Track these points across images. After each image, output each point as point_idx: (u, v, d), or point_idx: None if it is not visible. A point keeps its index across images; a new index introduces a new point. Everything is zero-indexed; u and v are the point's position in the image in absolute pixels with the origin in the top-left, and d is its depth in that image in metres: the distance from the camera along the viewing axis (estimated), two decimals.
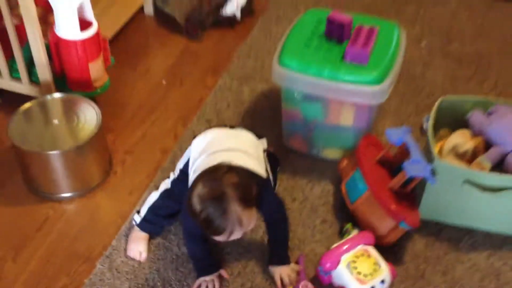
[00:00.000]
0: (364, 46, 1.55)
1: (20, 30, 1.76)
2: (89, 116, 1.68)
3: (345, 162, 1.65)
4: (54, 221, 1.61)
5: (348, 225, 1.55)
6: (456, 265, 1.50)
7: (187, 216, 1.34)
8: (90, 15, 1.77)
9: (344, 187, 1.60)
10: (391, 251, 1.50)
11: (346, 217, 1.58)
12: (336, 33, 1.61)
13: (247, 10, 2.30)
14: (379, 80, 1.53)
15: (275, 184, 1.61)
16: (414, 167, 1.45)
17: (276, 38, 2.17)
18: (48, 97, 1.73)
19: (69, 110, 1.71)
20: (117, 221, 1.60)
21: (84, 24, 1.75)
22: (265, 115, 1.90)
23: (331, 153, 1.74)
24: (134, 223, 1.55)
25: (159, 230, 1.55)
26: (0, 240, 1.56)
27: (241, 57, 2.15)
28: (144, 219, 1.53)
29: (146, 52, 2.19)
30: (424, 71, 2.09)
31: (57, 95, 1.73)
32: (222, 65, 2.11)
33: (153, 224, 1.54)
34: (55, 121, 1.67)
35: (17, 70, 1.85)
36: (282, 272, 1.44)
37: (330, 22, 1.60)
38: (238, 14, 2.26)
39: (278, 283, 1.44)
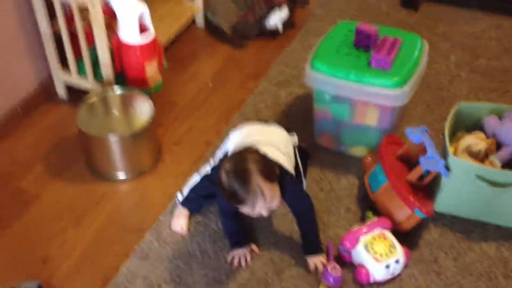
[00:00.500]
0: (388, 53, 1.74)
1: (88, 35, 2.03)
2: (144, 109, 1.92)
3: (369, 158, 1.83)
4: (110, 197, 1.85)
5: (369, 213, 1.72)
6: (468, 253, 1.65)
7: (221, 196, 1.53)
8: (148, 22, 2.02)
9: (367, 179, 1.78)
10: (408, 238, 1.66)
11: (368, 206, 1.75)
12: (363, 42, 1.81)
13: (288, 23, 2.52)
14: (400, 84, 1.72)
15: (305, 175, 1.80)
16: (429, 162, 1.62)
17: (311, 49, 2.37)
18: (110, 91, 1.98)
19: (127, 103, 1.96)
20: (164, 200, 1.82)
21: (143, 30, 2.00)
22: (299, 115, 2.10)
23: (357, 150, 1.92)
24: (177, 201, 1.77)
25: (198, 208, 1.77)
26: (65, 211, 1.80)
27: (280, 65, 2.36)
28: (186, 198, 1.75)
29: (196, 58, 2.43)
30: (451, 83, 2.25)
31: (117, 90, 1.98)
32: (263, 72, 2.33)
33: (193, 202, 1.75)
34: (115, 112, 1.92)
35: (83, 69, 2.12)
36: (315, 260, 1.61)
37: (359, 32, 1.80)
38: (280, 27, 2.48)
39: (312, 269, 1.60)
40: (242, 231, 1.68)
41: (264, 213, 1.50)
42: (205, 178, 1.76)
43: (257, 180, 1.43)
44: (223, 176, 1.46)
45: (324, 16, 2.63)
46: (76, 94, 2.17)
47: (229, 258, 1.65)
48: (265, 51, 2.46)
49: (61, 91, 2.21)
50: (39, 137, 2.07)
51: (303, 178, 1.76)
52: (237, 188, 1.44)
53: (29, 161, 1.97)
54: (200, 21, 2.58)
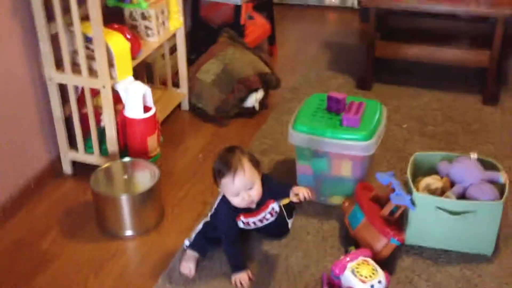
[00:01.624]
0: (355, 114, 2.12)
1: (96, 115, 2.35)
2: (149, 173, 2.21)
3: (347, 203, 2.15)
4: (123, 251, 2.09)
5: (352, 248, 2.01)
6: (436, 274, 1.95)
7: (222, 221, 1.87)
8: (150, 101, 2.36)
9: (347, 219, 2.09)
10: (386, 265, 1.94)
11: (350, 242, 2.05)
12: (334, 106, 2.19)
13: (263, 104, 2.91)
14: (368, 137, 2.09)
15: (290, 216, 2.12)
16: (398, 198, 1.95)
17: (286, 124, 2.74)
18: (119, 160, 2.27)
19: (135, 169, 2.24)
20: (171, 251, 2.06)
21: (145, 108, 2.34)
22: (282, 175, 2.42)
23: (335, 199, 2.24)
24: (185, 246, 2.02)
25: (204, 252, 2.02)
26: (83, 265, 2.02)
27: (260, 138, 2.71)
28: (192, 242, 2.01)
29: (185, 136, 2.76)
30: (405, 145, 2.65)
31: (126, 159, 2.27)
32: (245, 144, 2.66)
33: (199, 245, 2.01)
34: (125, 176, 2.20)
35: (90, 147, 2.41)
36: (299, 189, 1.82)
37: (330, 98, 2.19)
38: (257, 106, 2.86)
39: (295, 196, 1.83)
40: (242, 255, 1.95)
41: (244, 196, 1.82)
42: (206, 224, 2.04)
43: (240, 156, 1.83)
44: (215, 161, 1.82)
45: (293, 98, 3.04)
46: (80, 169, 2.45)
47: (233, 280, 1.90)
48: (245, 127, 2.82)
49: (67, 168, 2.48)
50: (51, 207, 2.30)
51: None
52: (222, 159, 1.83)
53: (45, 227, 2.20)
54: (185, 104, 2.94)
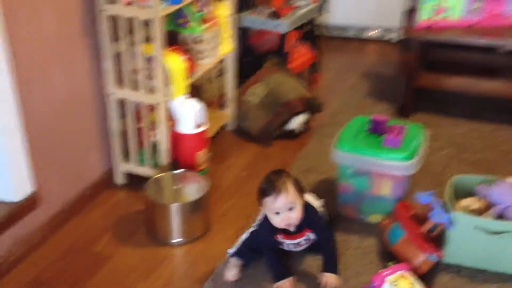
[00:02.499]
0: (397, 135, 2.22)
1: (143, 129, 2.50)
2: (198, 185, 2.34)
3: (386, 220, 2.24)
4: (171, 257, 2.20)
5: (390, 263, 2.08)
6: None
7: (263, 234, 2.00)
8: (202, 118, 2.50)
9: (386, 235, 2.17)
10: (423, 281, 2.01)
11: (389, 258, 2.12)
12: (376, 128, 2.30)
13: (304, 127, 3.03)
14: (408, 158, 2.18)
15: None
16: (437, 216, 2.03)
17: (327, 146, 2.86)
18: (171, 172, 2.41)
19: (185, 180, 2.38)
20: (216, 259, 2.17)
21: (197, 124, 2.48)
22: (322, 194, 2.51)
23: (375, 217, 2.33)
24: (228, 255, 2.14)
25: (247, 261, 2.12)
26: (134, 269, 2.14)
27: (301, 159, 2.83)
28: (236, 251, 2.13)
29: (230, 154, 2.90)
30: (444, 170, 2.72)
31: (177, 170, 2.41)
32: (288, 164, 2.78)
33: (242, 254, 2.12)
34: (175, 187, 2.34)
35: (142, 159, 2.56)
36: (328, 277, 1.98)
37: (373, 120, 2.30)
38: (299, 129, 2.98)
39: (322, 284, 1.98)
40: (284, 264, 2.05)
41: (284, 217, 1.93)
42: (251, 234, 2.15)
43: (285, 179, 1.95)
44: (261, 182, 1.96)
45: (333, 123, 3.14)
46: (131, 180, 2.60)
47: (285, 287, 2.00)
48: (287, 148, 2.94)
49: (119, 179, 2.63)
50: (104, 214, 2.45)
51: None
52: (268, 180, 1.96)
53: (98, 231, 2.34)
54: (230, 125, 3.08)
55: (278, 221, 1.98)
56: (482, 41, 3.00)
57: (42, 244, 2.25)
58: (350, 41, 4.41)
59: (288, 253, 2.16)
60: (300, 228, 2.04)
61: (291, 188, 1.94)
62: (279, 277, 2.02)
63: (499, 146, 2.93)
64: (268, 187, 1.95)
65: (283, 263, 2.08)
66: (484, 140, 2.99)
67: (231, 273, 2.08)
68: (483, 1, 3.07)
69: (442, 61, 3.41)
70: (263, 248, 2.08)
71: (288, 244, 2.08)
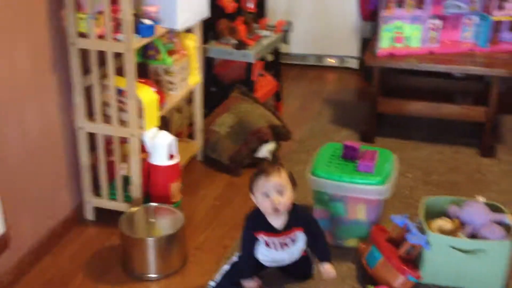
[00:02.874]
0: (370, 160, 2.27)
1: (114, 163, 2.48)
2: (173, 218, 2.32)
3: (363, 245, 2.27)
4: None
5: (370, 286, 2.11)
6: None
7: (245, 234, 2.04)
8: (175, 149, 2.49)
9: (364, 259, 2.20)
10: None
11: (367, 282, 2.15)
12: (349, 154, 2.35)
13: (274, 155, 3.06)
14: (383, 182, 2.23)
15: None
16: (414, 237, 2.08)
17: (297, 173, 2.89)
18: (145, 205, 2.38)
19: (159, 214, 2.35)
20: None
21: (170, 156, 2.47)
22: None
23: (351, 242, 2.36)
24: (210, 287, 2.11)
25: None
26: None
27: None
28: (218, 284, 2.10)
29: (201, 184, 2.89)
30: (412, 193, 2.79)
31: (152, 204, 2.38)
32: None
33: (224, 287, 2.09)
34: (152, 220, 2.31)
35: (113, 193, 2.52)
36: (326, 266, 2.05)
37: (346, 147, 2.35)
38: (269, 157, 3.01)
39: (323, 271, 2.06)
40: (254, 268, 2.08)
41: (273, 199, 1.95)
42: (234, 265, 2.13)
43: (279, 167, 2.00)
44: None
45: (301, 150, 3.20)
46: (102, 215, 2.55)
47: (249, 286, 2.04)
48: None
49: (90, 214, 2.57)
50: (77, 251, 2.39)
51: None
52: (265, 165, 2.05)
53: (72, 269, 2.28)
54: (199, 155, 3.08)
55: (267, 205, 1.97)
56: (441, 67, 3.13)
57: (13, 286, 2.17)
58: (310, 69, 4.50)
59: (272, 278, 2.17)
60: (288, 227, 2.04)
61: (283, 173, 2.00)
62: (248, 276, 2.06)
63: (461, 167, 3.04)
64: (262, 170, 2.00)
65: (254, 267, 2.08)
66: (447, 163, 3.09)
67: None
68: (439, 30, 3.21)
69: (402, 87, 3.53)
70: (242, 249, 2.08)
71: (274, 242, 2.04)
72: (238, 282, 2.10)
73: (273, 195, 1.96)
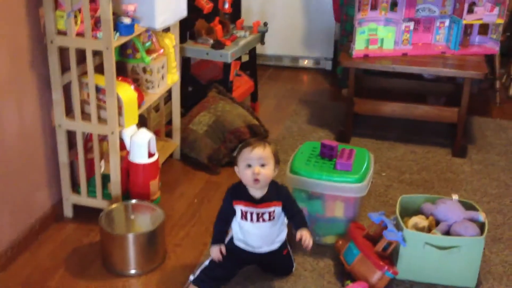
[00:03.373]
0: (348, 159, 2.32)
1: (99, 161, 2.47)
2: (152, 215, 2.32)
3: (340, 242, 2.32)
4: None
5: (348, 281, 2.16)
6: None
7: (224, 202, 2.13)
8: (154, 147, 2.50)
9: (342, 256, 2.24)
10: None
11: (345, 277, 2.20)
12: (327, 153, 2.39)
13: None
14: (360, 180, 2.29)
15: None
16: (390, 234, 2.13)
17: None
18: (125, 202, 2.38)
19: (139, 211, 2.36)
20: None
21: (149, 154, 2.48)
22: None
23: (329, 239, 2.40)
24: (189, 281, 2.14)
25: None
26: None
27: None
28: (197, 278, 2.14)
29: (179, 183, 2.90)
30: (386, 191, 2.85)
31: (132, 201, 2.39)
32: None
33: (203, 282, 2.12)
34: (132, 216, 2.31)
35: (92, 191, 2.52)
36: (303, 231, 2.07)
37: (324, 145, 2.39)
38: None
39: (298, 238, 2.08)
40: (224, 235, 2.15)
41: (255, 169, 2.02)
42: (211, 261, 2.15)
43: (266, 143, 2.08)
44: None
45: (278, 149, 3.20)
46: (80, 212, 2.55)
47: (213, 251, 2.09)
48: (236, 175, 2.97)
49: (68, 211, 2.56)
50: (55, 248, 2.38)
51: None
52: (252, 138, 2.13)
53: (51, 266, 2.27)
54: (177, 154, 3.09)
55: (248, 175, 2.04)
56: (414, 68, 3.20)
57: None
58: (285, 70, 4.55)
59: (253, 275, 2.20)
60: (267, 199, 2.09)
61: (268, 148, 2.07)
62: (215, 241, 2.11)
63: (432, 167, 3.11)
64: (248, 143, 2.09)
65: (224, 233, 2.15)
66: (420, 162, 3.17)
67: None
68: (412, 32, 3.29)
69: (377, 89, 3.60)
70: (218, 215, 2.15)
71: (251, 212, 2.08)
72: (217, 276, 2.13)
73: (255, 166, 2.03)
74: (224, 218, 2.14)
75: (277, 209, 2.10)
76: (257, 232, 2.11)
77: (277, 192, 2.10)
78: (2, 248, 2.22)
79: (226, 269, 2.14)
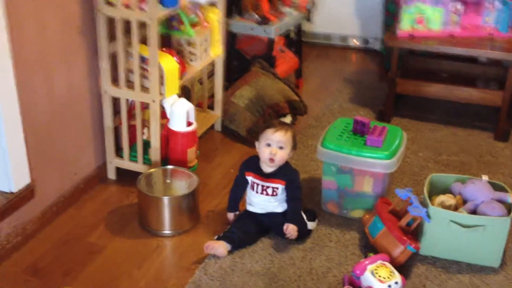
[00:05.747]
0: (379, 136, 2.36)
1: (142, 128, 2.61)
2: (188, 180, 2.45)
3: (367, 216, 2.37)
4: (162, 247, 2.31)
5: (371, 254, 2.21)
6: (448, 281, 2.15)
7: (239, 171, 2.37)
8: (192, 117, 2.61)
9: (367, 229, 2.30)
10: (402, 271, 2.14)
11: (369, 250, 2.25)
12: (359, 129, 2.43)
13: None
14: (390, 157, 2.32)
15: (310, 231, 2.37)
16: (415, 209, 2.17)
17: (311, 147, 3.01)
18: (163, 167, 2.51)
19: (175, 176, 2.49)
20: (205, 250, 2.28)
21: (188, 123, 2.60)
22: (306, 191, 2.64)
23: (356, 213, 2.46)
24: (215, 238, 2.28)
25: (237, 241, 2.26)
26: (127, 258, 2.24)
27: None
28: (224, 233, 2.30)
29: (218, 153, 3.01)
30: (421, 171, 2.87)
31: (168, 166, 2.52)
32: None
33: (232, 233, 2.26)
34: (167, 181, 2.45)
35: (134, 155, 2.66)
36: (289, 226, 2.25)
37: (356, 121, 2.44)
38: None
39: (284, 229, 2.26)
40: (238, 201, 2.41)
41: (273, 149, 2.23)
42: (232, 225, 2.34)
43: (289, 128, 2.28)
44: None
45: (317, 125, 3.29)
46: (123, 175, 2.70)
47: (229, 216, 2.39)
48: None
49: (112, 174, 2.72)
50: (98, 207, 2.54)
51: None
52: (276, 121, 2.46)
53: (92, 223, 2.43)
54: (218, 126, 3.20)
55: (266, 153, 2.26)
56: (460, 50, 3.16)
57: (37, 234, 2.34)
58: (333, 49, 4.56)
59: (275, 240, 2.31)
60: (274, 175, 2.29)
61: (289, 134, 2.28)
62: (230, 209, 2.40)
63: (472, 149, 3.09)
64: (272, 124, 2.31)
65: (238, 198, 2.41)
66: (459, 144, 3.15)
67: (219, 249, 2.21)
68: (461, 13, 3.24)
69: (421, 70, 3.57)
70: (234, 183, 2.41)
71: (257, 183, 2.31)
72: (243, 228, 2.30)
73: (273, 147, 2.25)
74: (238, 186, 2.40)
75: (281, 187, 2.28)
76: (258, 201, 2.34)
77: (285, 173, 2.30)
78: (48, 203, 2.40)
79: (245, 231, 2.29)
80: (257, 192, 2.31)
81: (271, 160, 2.25)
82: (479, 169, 2.89)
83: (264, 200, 2.31)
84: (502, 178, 2.79)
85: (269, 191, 2.30)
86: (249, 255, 2.25)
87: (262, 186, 2.30)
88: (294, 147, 2.32)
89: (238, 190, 2.40)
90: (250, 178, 2.33)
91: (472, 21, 3.33)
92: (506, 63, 3.15)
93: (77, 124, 2.51)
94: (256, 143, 2.33)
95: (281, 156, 2.26)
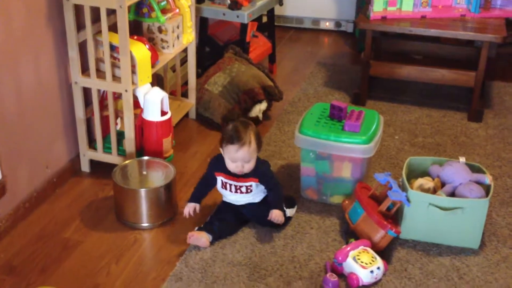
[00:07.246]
0: (356, 120, 2.34)
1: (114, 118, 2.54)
2: (165, 171, 2.40)
3: (346, 201, 2.36)
4: (141, 240, 2.26)
5: (352, 239, 2.21)
6: (429, 264, 2.16)
7: (209, 167, 2.30)
8: (166, 106, 2.56)
9: (347, 215, 2.29)
10: (383, 255, 2.14)
11: (350, 236, 2.25)
12: (336, 114, 2.41)
13: (266, 115, 3.13)
14: (367, 142, 2.31)
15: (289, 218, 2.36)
16: (395, 194, 2.17)
17: (287, 133, 2.99)
18: (138, 158, 2.46)
19: (151, 167, 2.43)
20: (185, 243, 2.24)
21: (162, 112, 2.54)
22: (284, 178, 2.62)
23: (336, 199, 2.45)
24: (196, 229, 2.24)
25: (217, 232, 2.23)
26: (105, 252, 2.19)
27: (264, 145, 2.91)
28: (205, 224, 2.27)
29: (193, 142, 2.96)
30: (398, 154, 2.87)
31: (144, 157, 2.46)
32: None
33: (212, 224, 2.24)
34: (144, 172, 2.39)
35: (108, 147, 2.60)
36: (274, 212, 2.23)
37: (333, 106, 2.41)
38: (260, 117, 3.08)
39: (270, 217, 2.23)
40: (202, 194, 2.34)
41: (239, 165, 2.16)
42: (218, 205, 2.34)
43: (251, 134, 2.17)
44: (230, 125, 2.19)
45: (293, 111, 3.26)
46: (97, 168, 2.64)
47: (187, 207, 2.29)
48: None
49: (85, 166, 2.65)
50: (72, 201, 2.48)
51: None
52: (236, 130, 2.16)
53: (67, 218, 2.37)
54: (192, 113, 3.15)
55: (232, 167, 2.20)
56: (432, 31, 3.16)
57: (10, 231, 2.27)
58: (306, 32, 4.53)
59: (256, 230, 2.29)
60: (245, 174, 2.23)
61: (253, 144, 2.17)
62: (191, 200, 2.31)
63: (447, 130, 3.11)
64: (235, 137, 2.15)
65: (202, 193, 2.34)
66: (434, 126, 3.16)
67: (201, 239, 2.19)
68: None
69: (394, 52, 3.57)
70: (203, 177, 2.34)
71: (230, 184, 2.26)
72: (224, 218, 2.28)
73: (239, 163, 2.18)
74: (205, 184, 2.34)
75: (254, 184, 2.25)
76: (234, 199, 2.32)
77: (255, 169, 2.23)
78: (21, 199, 2.33)
79: (225, 222, 2.27)
80: (230, 191, 2.28)
81: (240, 172, 2.21)
82: (454, 150, 2.91)
83: (240, 196, 2.29)
84: (477, 159, 2.81)
85: (243, 189, 2.26)
86: (230, 245, 2.22)
87: (235, 186, 2.25)
88: (260, 147, 2.23)
89: (206, 187, 2.34)
90: (220, 178, 2.27)
91: (444, 1, 3.33)
92: (477, 44, 3.16)
93: (47, 116, 2.44)
94: (220, 148, 2.25)
95: (249, 167, 2.20)
